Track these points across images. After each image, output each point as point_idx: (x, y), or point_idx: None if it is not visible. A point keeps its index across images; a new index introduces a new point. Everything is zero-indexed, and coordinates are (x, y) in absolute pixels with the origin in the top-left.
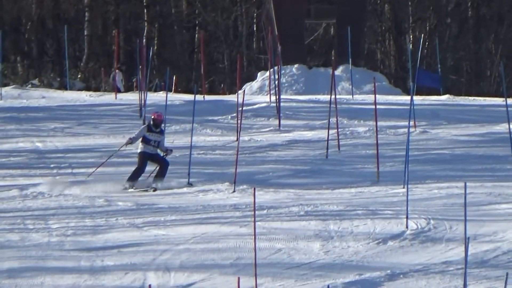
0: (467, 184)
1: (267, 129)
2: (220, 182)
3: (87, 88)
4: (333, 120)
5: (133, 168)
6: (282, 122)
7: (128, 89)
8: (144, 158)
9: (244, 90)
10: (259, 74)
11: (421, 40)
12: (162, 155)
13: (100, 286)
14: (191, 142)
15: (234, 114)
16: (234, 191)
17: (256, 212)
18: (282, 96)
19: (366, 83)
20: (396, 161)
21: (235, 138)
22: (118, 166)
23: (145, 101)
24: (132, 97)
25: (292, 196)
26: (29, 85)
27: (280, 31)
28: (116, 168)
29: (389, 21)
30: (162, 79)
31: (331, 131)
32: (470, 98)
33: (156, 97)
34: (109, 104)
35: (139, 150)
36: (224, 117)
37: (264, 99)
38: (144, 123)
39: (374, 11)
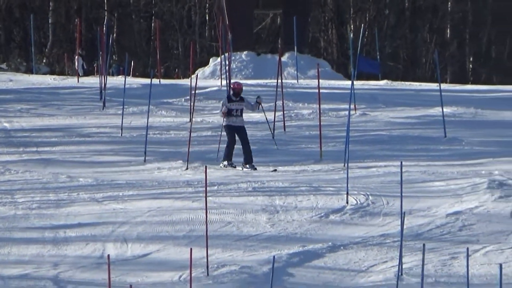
0: (403, 163)
1: (218, 111)
2: (174, 160)
3: (52, 72)
4: (279, 103)
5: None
6: None
7: (90, 73)
8: (230, 131)
9: (197, 75)
10: (211, 60)
11: (362, 29)
12: (258, 106)
13: (62, 256)
14: (147, 123)
15: (188, 97)
16: (187, 169)
17: (208, 188)
18: (232, 81)
19: (310, 69)
20: (337, 141)
21: (188, 120)
22: (79, 145)
23: (105, 84)
24: (93, 81)
25: (241, 174)
26: None
27: (230, 21)
28: (77, 146)
29: (332, 11)
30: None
31: (277, 113)
32: (406, 83)
33: (115, 81)
34: (72, 87)
35: (224, 124)
36: (178, 99)
37: (215, 83)
38: None
39: (318, 2)
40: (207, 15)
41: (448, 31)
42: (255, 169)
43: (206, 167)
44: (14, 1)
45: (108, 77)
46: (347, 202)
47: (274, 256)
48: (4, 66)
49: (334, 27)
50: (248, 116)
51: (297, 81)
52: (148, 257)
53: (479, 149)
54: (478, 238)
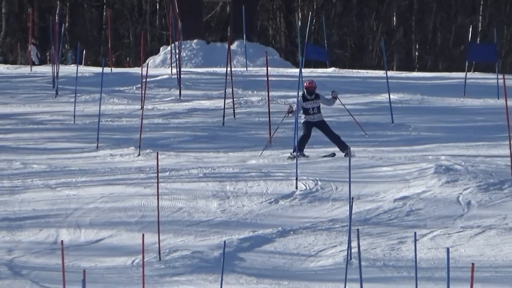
0: (352, 148)
1: (169, 98)
2: (126, 147)
3: (5, 61)
4: (229, 90)
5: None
6: (183, 92)
7: (42, 62)
8: (308, 126)
9: (148, 63)
10: (161, 48)
11: (309, 17)
12: (334, 100)
13: (17, 241)
14: (100, 110)
15: (139, 85)
16: (139, 155)
17: (159, 174)
18: (182, 69)
19: (259, 57)
20: (286, 128)
21: (140, 107)
22: (33, 132)
23: (57, 73)
24: (45, 70)
25: (192, 160)
26: None
27: (180, 9)
28: (30, 134)
29: (280, 0)
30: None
31: (227, 101)
32: (354, 70)
33: (67, 70)
34: (25, 76)
35: (302, 120)
36: (129, 87)
37: (166, 71)
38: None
39: None
40: (157, 4)
41: (394, 18)
42: (352, 154)
43: (157, 153)
44: None
45: (60, 65)
46: (296, 188)
47: (225, 241)
48: None
49: (282, 16)
50: (199, 103)
51: (246, 69)
52: (101, 242)
53: (426, 135)
54: (425, 222)
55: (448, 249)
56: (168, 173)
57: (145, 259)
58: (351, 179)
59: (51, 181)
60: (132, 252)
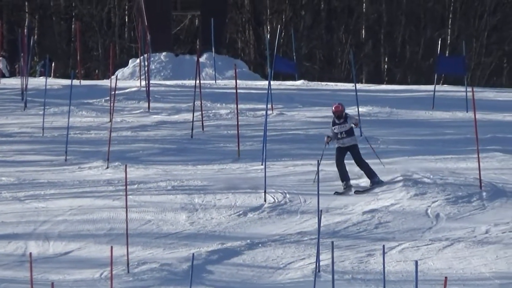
0: (320, 162)
1: (138, 111)
2: (95, 160)
3: None
4: (197, 103)
5: None
6: (152, 105)
7: (12, 74)
8: (340, 152)
9: (116, 76)
10: (130, 61)
11: (278, 30)
12: (354, 127)
13: None
14: (68, 123)
15: (108, 98)
16: (107, 168)
17: (128, 186)
18: (151, 81)
19: (228, 69)
20: (255, 140)
21: (109, 119)
22: (1, 144)
23: (26, 85)
24: (14, 82)
25: (161, 172)
26: None
27: (149, 22)
28: None
29: (249, 13)
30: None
31: (196, 113)
32: (322, 83)
33: (36, 82)
34: None
35: (335, 145)
36: (98, 100)
37: (135, 84)
38: None
39: (235, 3)
40: (126, 17)
41: (363, 31)
42: (382, 182)
43: (126, 166)
44: None
45: (29, 78)
46: (265, 200)
47: (193, 254)
48: None
49: (251, 28)
50: (167, 116)
51: (215, 82)
52: (69, 255)
53: (394, 148)
54: (394, 235)
55: (416, 262)
56: (136, 185)
57: (113, 272)
58: (320, 192)
59: (19, 193)
60: (101, 265)
